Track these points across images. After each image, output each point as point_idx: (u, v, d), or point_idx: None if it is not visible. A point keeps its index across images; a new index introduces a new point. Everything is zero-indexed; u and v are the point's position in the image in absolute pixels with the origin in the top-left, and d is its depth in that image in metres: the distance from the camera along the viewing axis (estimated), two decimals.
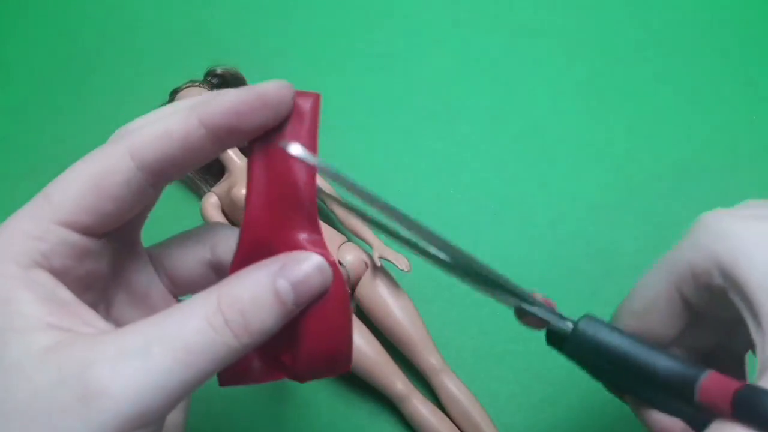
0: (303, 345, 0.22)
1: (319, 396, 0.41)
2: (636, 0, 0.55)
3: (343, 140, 0.50)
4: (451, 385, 0.39)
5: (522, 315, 0.25)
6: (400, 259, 0.40)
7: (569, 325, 0.24)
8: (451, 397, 0.39)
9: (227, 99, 0.20)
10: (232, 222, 0.43)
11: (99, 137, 0.51)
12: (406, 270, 0.40)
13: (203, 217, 0.43)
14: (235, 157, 0.44)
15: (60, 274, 0.19)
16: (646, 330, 0.24)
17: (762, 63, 0.52)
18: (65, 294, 0.19)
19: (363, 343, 0.39)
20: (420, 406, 0.39)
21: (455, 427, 0.39)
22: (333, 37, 0.55)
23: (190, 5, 0.56)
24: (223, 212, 0.44)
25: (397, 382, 0.39)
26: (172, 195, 0.47)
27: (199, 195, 0.46)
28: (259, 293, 0.19)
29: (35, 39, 0.56)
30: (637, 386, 0.24)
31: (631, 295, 0.25)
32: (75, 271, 0.20)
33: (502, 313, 0.44)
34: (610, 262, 0.45)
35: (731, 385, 0.20)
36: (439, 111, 0.51)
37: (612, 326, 0.24)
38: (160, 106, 0.47)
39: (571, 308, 0.43)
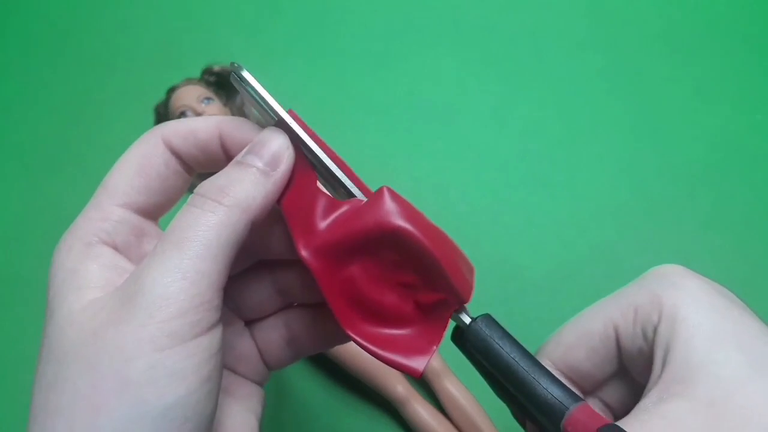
0: (442, 270, 0.22)
1: (319, 399, 0.41)
2: (639, 0, 0.55)
3: (343, 140, 0.49)
4: (451, 388, 0.39)
5: None
6: None
7: (467, 321, 0.23)
8: (451, 400, 0.39)
9: (248, 127, 0.22)
10: None
11: (97, 135, 0.51)
12: None
13: None
14: None
15: (124, 251, 0.22)
16: (571, 364, 0.24)
17: (765, 61, 0.52)
18: (126, 264, 0.21)
19: None
20: (420, 409, 0.38)
21: (456, 429, 0.38)
22: (332, 36, 0.54)
23: (188, 4, 0.56)
24: None
25: (398, 385, 0.39)
26: None
27: None
28: (226, 169, 0.21)
29: (32, 38, 0.55)
30: (519, 402, 0.23)
31: (562, 328, 0.25)
32: (136, 250, 0.22)
33: (502, 314, 0.44)
34: (611, 263, 0.44)
35: (598, 421, 0.20)
36: (439, 111, 0.50)
37: (509, 334, 0.23)
38: (157, 104, 0.47)
39: (572, 309, 0.43)
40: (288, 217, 0.22)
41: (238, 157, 0.21)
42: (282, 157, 0.21)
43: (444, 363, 0.40)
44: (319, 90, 0.52)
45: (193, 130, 0.22)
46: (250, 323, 0.26)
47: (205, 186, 0.21)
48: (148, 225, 0.23)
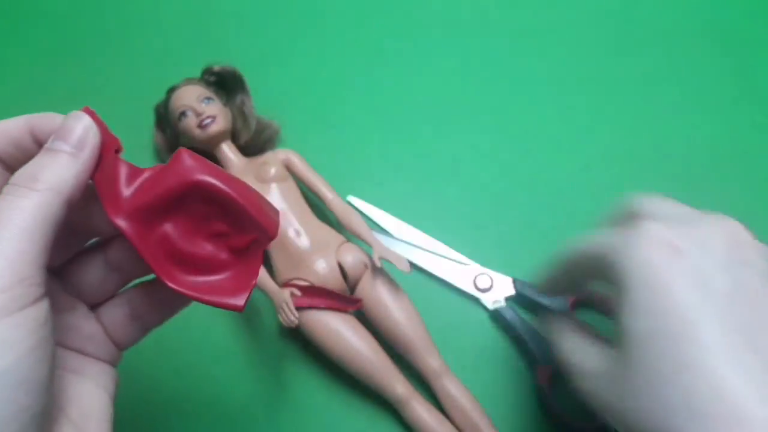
0: (246, 212, 0.24)
1: (318, 399, 0.41)
2: (637, 2, 0.55)
3: (342, 139, 0.49)
4: (452, 388, 0.39)
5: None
6: (400, 260, 0.40)
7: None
8: (452, 400, 0.39)
9: (57, 118, 0.24)
10: None
11: None
12: (406, 271, 0.39)
13: None
14: (231, 155, 0.44)
15: None
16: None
17: (765, 62, 0.52)
18: None
19: (363, 345, 0.39)
20: (420, 410, 0.38)
21: (456, 430, 0.38)
22: (332, 36, 0.54)
23: (188, 4, 0.56)
24: None
25: (398, 385, 0.39)
26: None
27: None
28: (36, 157, 0.23)
29: (32, 37, 0.55)
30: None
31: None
32: None
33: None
34: None
35: None
36: (439, 111, 0.50)
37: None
38: (157, 104, 0.47)
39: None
40: (99, 191, 0.23)
41: (46, 145, 0.23)
42: (87, 138, 0.23)
43: (444, 363, 0.40)
44: (319, 90, 0.52)
45: (4, 130, 0.24)
46: (96, 306, 0.27)
47: (16, 175, 0.22)
48: None
